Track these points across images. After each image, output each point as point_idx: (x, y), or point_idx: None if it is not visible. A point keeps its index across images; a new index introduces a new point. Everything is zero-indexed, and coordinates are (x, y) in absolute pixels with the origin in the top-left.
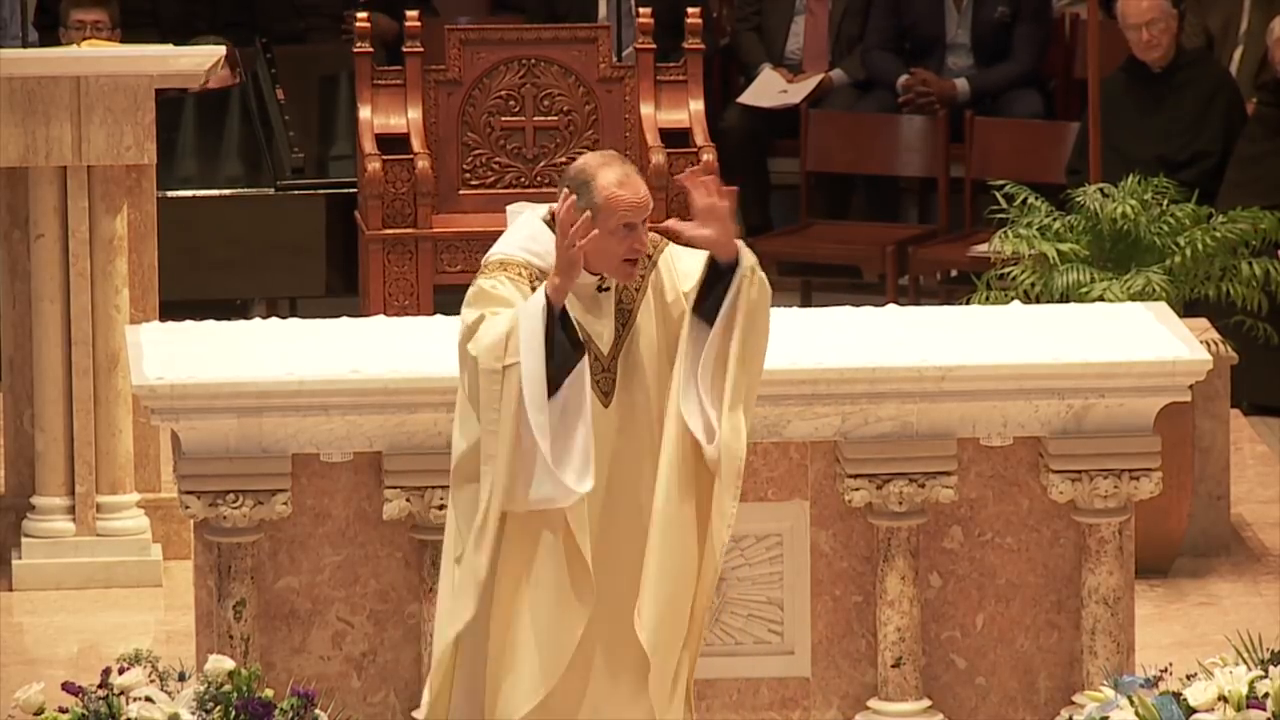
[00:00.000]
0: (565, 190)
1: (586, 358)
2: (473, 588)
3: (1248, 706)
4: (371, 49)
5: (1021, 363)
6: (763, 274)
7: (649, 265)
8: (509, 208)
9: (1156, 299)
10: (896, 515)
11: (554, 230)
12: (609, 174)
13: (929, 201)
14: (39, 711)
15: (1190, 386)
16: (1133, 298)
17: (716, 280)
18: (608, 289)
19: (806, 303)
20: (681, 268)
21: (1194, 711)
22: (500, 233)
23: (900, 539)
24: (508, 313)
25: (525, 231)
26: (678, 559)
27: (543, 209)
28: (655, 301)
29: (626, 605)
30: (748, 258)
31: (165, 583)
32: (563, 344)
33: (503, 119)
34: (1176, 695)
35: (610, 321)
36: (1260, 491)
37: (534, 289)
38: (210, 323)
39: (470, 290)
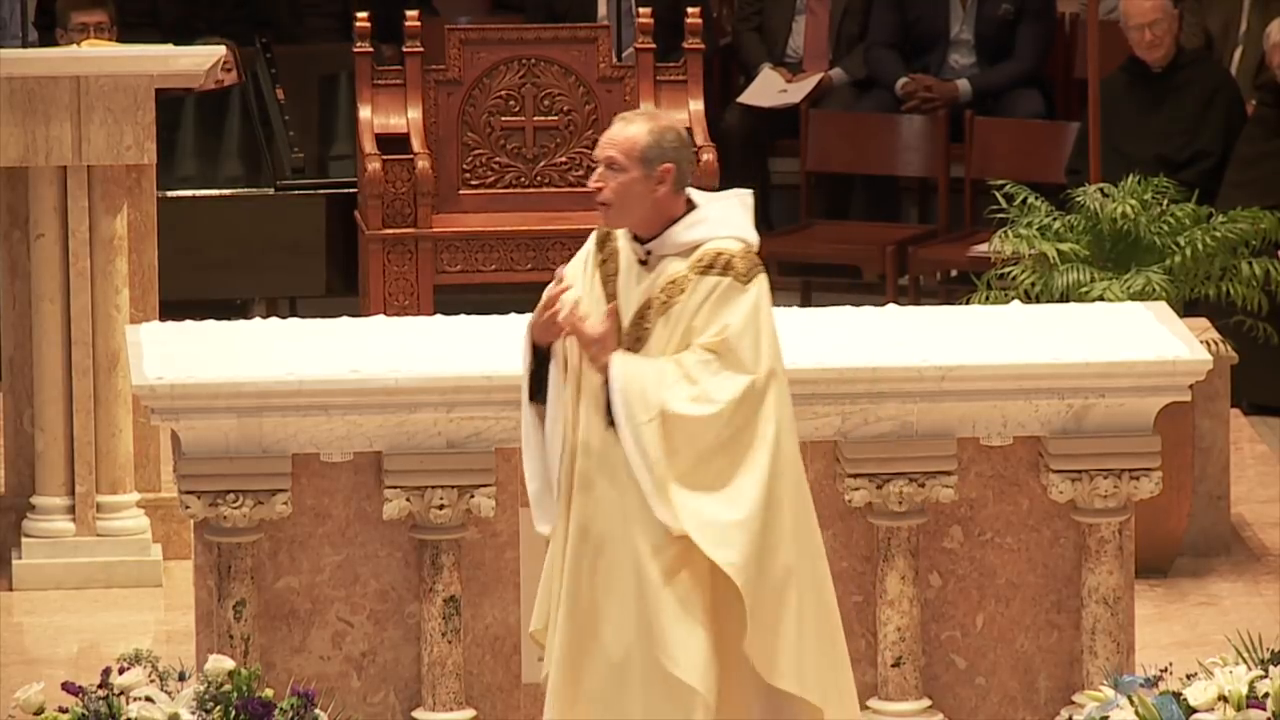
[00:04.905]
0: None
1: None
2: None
3: (1248, 706)
4: (371, 49)
5: (1021, 363)
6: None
7: (703, 268)
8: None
9: (1156, 299)
10: (896, 515)
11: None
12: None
13: (929, 201)
14: (39, 711)
15: (1190, 386)
16: (1133, 298)
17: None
18: (645, 263)
19: (806, 303)
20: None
21: (1194, 711)
22: (499, 232)
23: (900, 539)
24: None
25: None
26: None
27: (746, 193)
28: (683, 315)
29: None
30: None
31: (165, 583)
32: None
33: (503, 119)
34: (1176, 695)
35: (637, 300)
36: (1260, 491)
37: None
38: (210, 323)
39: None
